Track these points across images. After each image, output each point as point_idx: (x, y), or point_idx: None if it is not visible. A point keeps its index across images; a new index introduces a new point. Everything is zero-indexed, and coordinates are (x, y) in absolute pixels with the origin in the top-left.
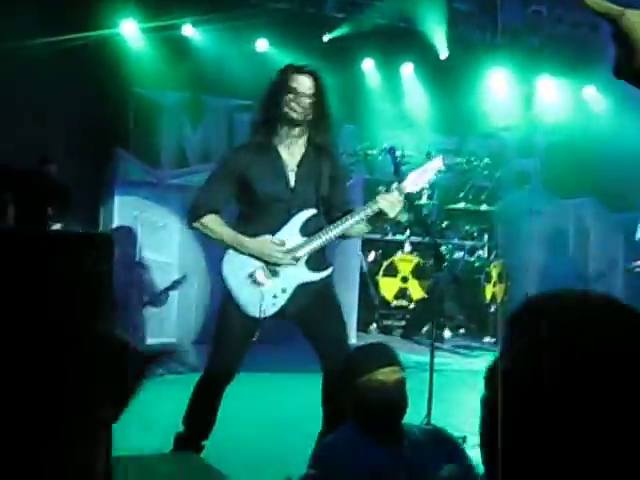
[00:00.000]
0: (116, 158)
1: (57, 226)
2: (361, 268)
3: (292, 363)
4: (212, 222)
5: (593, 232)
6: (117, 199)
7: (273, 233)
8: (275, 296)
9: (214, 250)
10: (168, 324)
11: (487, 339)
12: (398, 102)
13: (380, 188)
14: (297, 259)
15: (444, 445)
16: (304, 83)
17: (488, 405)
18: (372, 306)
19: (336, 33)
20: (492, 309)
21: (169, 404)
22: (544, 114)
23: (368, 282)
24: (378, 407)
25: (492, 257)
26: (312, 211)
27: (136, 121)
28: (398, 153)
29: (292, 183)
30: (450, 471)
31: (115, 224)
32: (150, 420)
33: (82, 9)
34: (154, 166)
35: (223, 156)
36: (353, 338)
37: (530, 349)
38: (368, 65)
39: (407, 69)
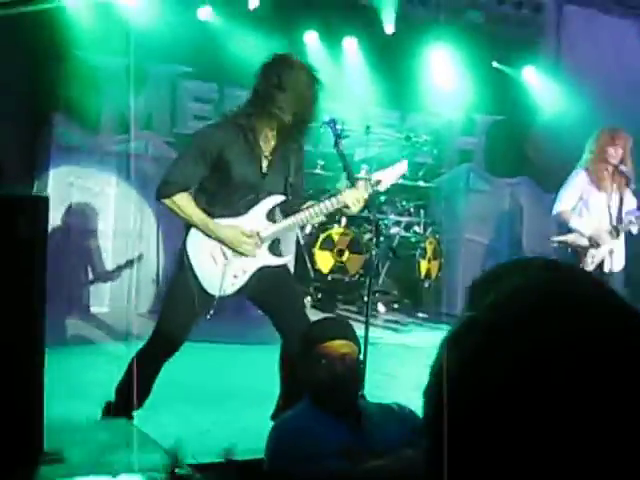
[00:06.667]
0: (52, 123)
1: None
2: (297, 240)
3: (236, 335)
4: (183, 201)
5: (527, 211)
6: (52, 165)
7: (240, 215)
8: (235, 276)
9: (154, 217)
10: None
11: (420, 314)
12: (340, 75)
13: (342, 184)
14: (262, 241)
15: (406, 422)
16: (300, 80)
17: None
18: (308, 279)
19: None
20: (426, 285)
21: (97, 373)
22: (485, 92)
23: (304, 255)
24: (326, 378)
25: (428, 233)
26: (280, 197)
27: (75, 85)
28: (338, 126)
29: (264, 169)
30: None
31: (50, 191)
32: (78, 389)
33: None
34: (93, 132)
35: (199, 132)
36: None
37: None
38: (310, 37)
39: (350, 43)
